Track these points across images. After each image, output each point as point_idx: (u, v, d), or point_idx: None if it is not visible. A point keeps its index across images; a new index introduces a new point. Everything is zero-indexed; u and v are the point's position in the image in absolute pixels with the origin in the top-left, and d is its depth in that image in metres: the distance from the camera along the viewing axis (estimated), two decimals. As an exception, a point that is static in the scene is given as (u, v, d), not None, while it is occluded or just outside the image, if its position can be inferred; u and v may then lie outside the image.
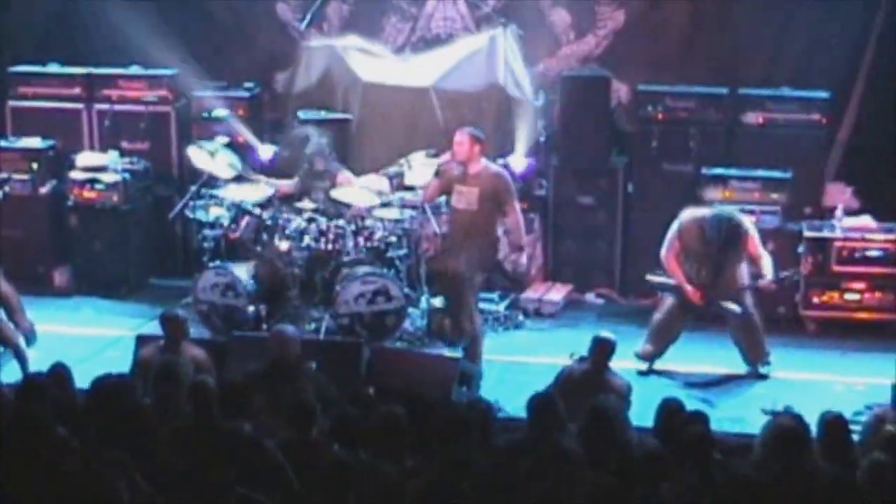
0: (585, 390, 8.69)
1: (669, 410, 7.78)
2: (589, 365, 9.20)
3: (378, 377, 9.84)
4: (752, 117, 12.39)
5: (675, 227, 10.67)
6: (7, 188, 11.54)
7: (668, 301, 10.83)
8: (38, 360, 9.83)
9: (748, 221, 10.79)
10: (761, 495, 6.66)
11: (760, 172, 12.08)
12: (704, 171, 12.17)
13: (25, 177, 12.60)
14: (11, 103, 13.37)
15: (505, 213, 10.70)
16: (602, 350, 9.20)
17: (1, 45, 13.64)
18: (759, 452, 7.25)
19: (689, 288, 10.58)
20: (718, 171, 12.14)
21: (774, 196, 11.99)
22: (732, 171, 12.10)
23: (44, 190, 12.27)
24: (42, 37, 13.82)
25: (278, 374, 8.76)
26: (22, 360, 10.00)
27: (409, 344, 11.11)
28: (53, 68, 13.52)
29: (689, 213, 10.66)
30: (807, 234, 11.78)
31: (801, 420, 7.37)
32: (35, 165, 12.78)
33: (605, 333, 9.36)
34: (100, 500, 6.11)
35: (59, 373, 8.28)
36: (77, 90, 13.39)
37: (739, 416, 9.78)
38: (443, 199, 11.19)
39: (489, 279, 12.30)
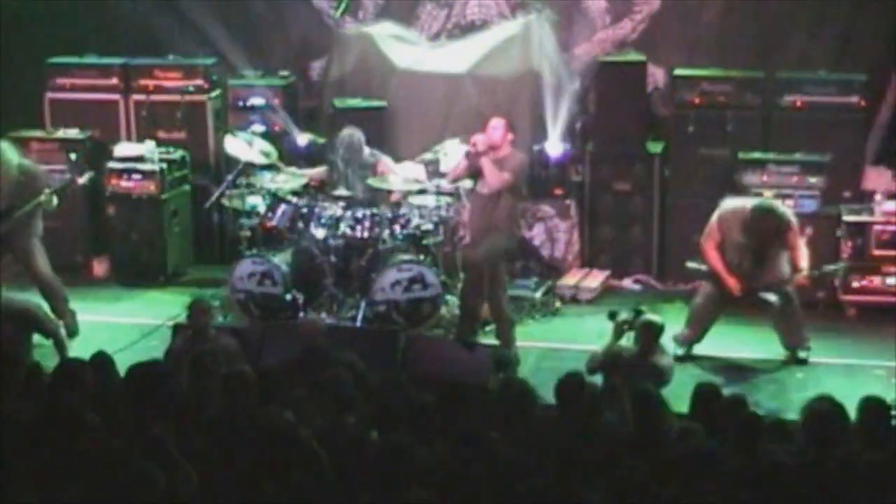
0: (633, 372, 8.94)
1: (705, 396, 7.75)
2: (637, 347, 9.33)
3: (414, 364, 9.85)
4: (790, 101, 12.30)
5: (714, 218, 10.62)
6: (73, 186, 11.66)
7: (707, 285, 10.78)
8: (78, 350, 9.88)
9: (790, 213, 10.73)
10: (800, 481, 6.61)
11: (798, 156, 12.00)
12: (741, 155, 12.10)
13: (63, 167, 12.63)
14: (49, 94, 13.44)
15: None
16: (648, 333, 9.31)
17: (39, 36, 13.71)
18: (798, 438, 7.21)
19: (728, 279, 10.52)
20: (756, 155, 12.07)
21: (812, 180, 11.90)
22: (770, 156, 12.03)
23: (81, 180, 12.33)
24: (79, 28, 13.87)
25: (311, 362, 8.78)
26: (60, 349, 10.05)
27: (446, 331, 11.09)
28: (90, 59, 13.60)
29: (729, 204, 10.60)
30: (846, 218, 11.70)
31: (839, 405, 7.31)
32: (73, 156, 12.85)
33: (652, 316, 9.48)
34: (135, 487, 6.13)
35: (102, 361, 8.32)
36: (114, 81, 13.45)
37: (778, 401, 9.72)
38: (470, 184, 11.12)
39: (525, 266, 12.35)
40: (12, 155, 11.29)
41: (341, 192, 11.55)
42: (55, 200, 11.29)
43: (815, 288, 11.27)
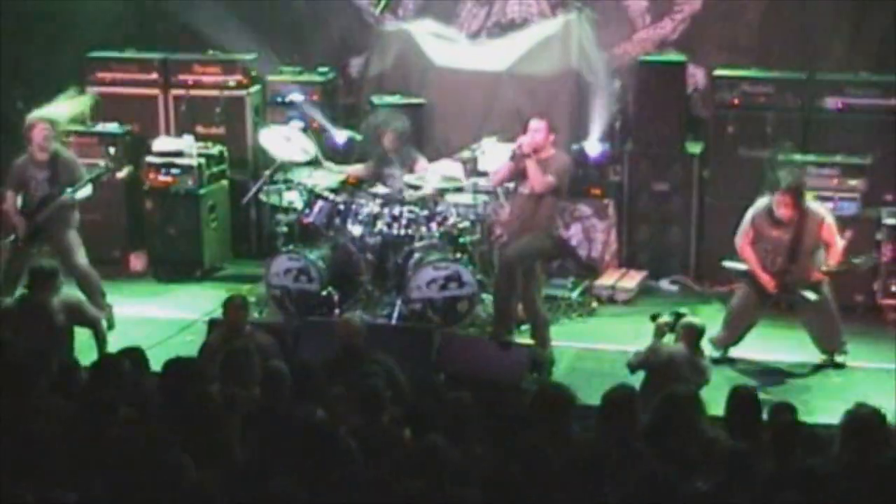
0: (675, 370, 9.02)
1: (740, 399, 7.70)
2: (681, 346, 9.34)
3: (449, 363, 9.84)
4: (831, 102, 12.20)
5: (748, 215, 10.61)
6: (105, 177, 11.74)
7: (745, 288, 10.74)
8: (114, 344, 9.91)
9: (824, 208, 10.68)
10: (837, 487, 6.56)
11: (838, 158, 11.91)
12: (781, 156, 12.01)
13: (102, 161, 12.66)
14: (89, 89, 13.49)
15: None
16: (689, 335, 9.34)
17: (79, 30, 13.78)
18: (835, 444, 7.17)
19: (763, 276, 10.50)
20: (796, 156, 11.97)
21: (853, 182, 11.82)
22: (810, 157, 11.94)
23: (120, 174, 12.38)
24: (119, 22, 13.92)
25: (347, 362, 8.76)
26: (100, 342, 10.10)
27: (481, 330, 11.07)
28: (130, 54, 13.65)
29: (763, 202, 10.59)
30: (886, 221, 11.59)
31: (878, 412, 7.26)
32: (112, 150, 12.89)
33: (693, 318, 9.49)
34: (166, 481, 6.14)
35: (134, 356, 8.34)
36: (153, 75, 13.51)
37: (815, 405, 9.65)
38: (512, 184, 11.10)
39: (562, 266, 12.32)
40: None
41: (379, 189, 11.55)
42: (88, 191, 11.36)
43: (848, 286, 11.17)
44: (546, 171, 10.49)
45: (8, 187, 11.38)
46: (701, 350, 9.51)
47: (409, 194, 11.51)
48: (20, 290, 10.47)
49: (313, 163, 11.99)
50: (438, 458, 6.59)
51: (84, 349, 9.77)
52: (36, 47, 13.72)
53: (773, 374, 10.50)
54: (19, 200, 11.32)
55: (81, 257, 11.39)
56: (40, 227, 11.28)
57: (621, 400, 7.47)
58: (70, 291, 10.36)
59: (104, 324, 10.42)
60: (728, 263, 10.87)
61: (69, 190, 11.20)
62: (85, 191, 11.38)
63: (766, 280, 10.50)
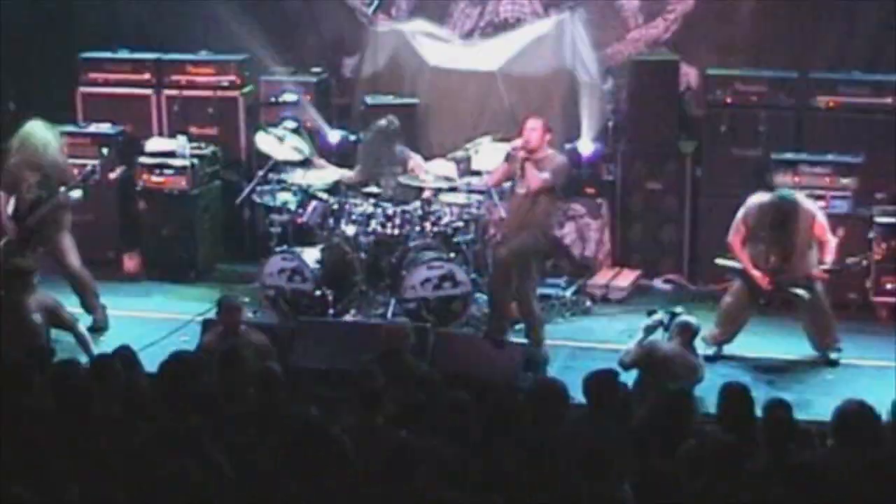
0: (668, 369, 9.12)
1: (732, 395, 7.72)
2: (675, 345, 9.41)
3: (443, 362, 9.84)
4: (823, 101, 12.21)
5: (741, 212, 10.63)
6: (93, 180, 11.68)
7: (738, 285, 10.77)
8: (108, 344, 9.92)
9: (815, 206, 10.71)
10: (830, 482, 6.58)
11: (831, 157, 11.92)
12: (774, 155, 12.04)
13: (95, 162, 12.65)
14: (82, 89, 13.49)
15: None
16: (684, 334, 9.43)
17: (71, 31, 13.77)
18: (828, 440, 7.20)
19: (756, 273, 10.52)
20: (788, 155, 12.01)
21: (845, 181, 11.83)
22: (802, 156, 11.97)
23: (113, 175, 12.37)
24: (112, 22, 13.92)
25: (391, 365, 8.75)
26: (84, 344, 10.10)
27: (475, 329, 11.08)
28: (123, 54, 13.62)
29: (755, 199, 10.62)
30: (878, 219, 11.61)
31: (870, 407, 7.27)
32: (105, 151, 12.87)
33: (688, 317, 9.61)
34: (169, 483, 6.15)
35: (124, 356, 8.34)
36: (146, 76, 13.49)
37: (808, 402, 9.67)
38: (508, 184, 11.13)
39: (556, 265, 12.34)
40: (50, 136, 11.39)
41: (372, 189, 11.55)
42: (79, 192, 11.35)
43: (841, 283, 11.20)
44: (542, 170, 10.51)
45: (1, 190, 11.39)
46: (694, 349, 9.55)
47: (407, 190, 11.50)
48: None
49: (307, 162, 11.99)
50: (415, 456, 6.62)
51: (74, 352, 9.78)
52: (28, 48, 13.72)
53: (767, 372, 10.52)
54: (12, 203, 11.32)
55: (75, 259, 11.38)
56: (33, 230, 11.27)
57: (600, 383, 7.56)
58: (46, 293, 10.32)
59: (81, 326, 10.40)
60: (721, 261, 10.89)
61: (63, 189, 11.20)
62: (76, 192, 11.37)
63: (760, 278, 10.52)
